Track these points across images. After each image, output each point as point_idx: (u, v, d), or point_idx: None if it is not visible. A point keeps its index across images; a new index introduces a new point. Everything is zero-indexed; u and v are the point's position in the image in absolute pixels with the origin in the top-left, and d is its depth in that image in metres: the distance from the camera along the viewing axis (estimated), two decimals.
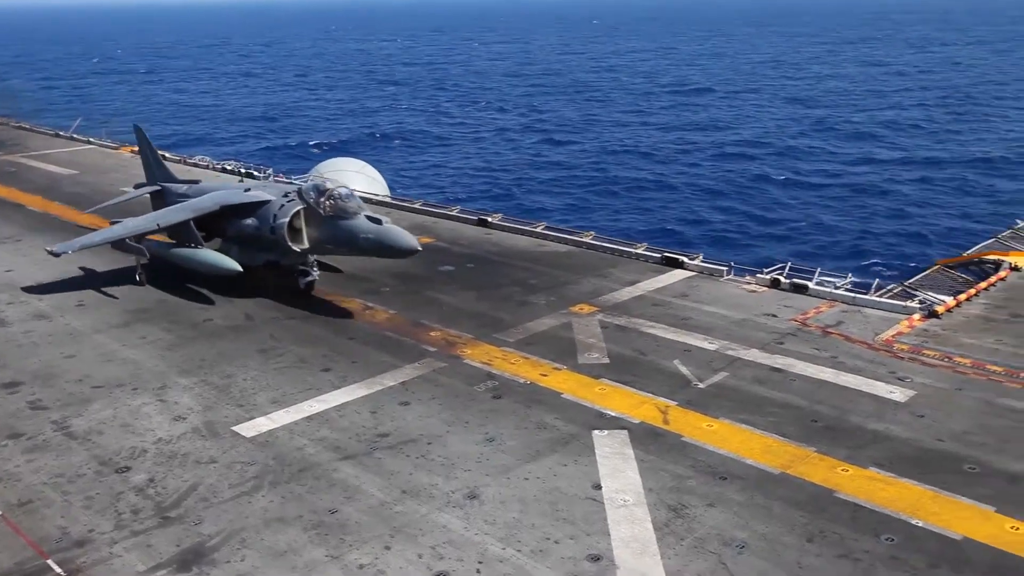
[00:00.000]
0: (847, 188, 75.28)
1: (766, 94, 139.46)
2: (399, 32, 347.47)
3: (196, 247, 27.17)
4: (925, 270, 32.08)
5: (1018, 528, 14.43)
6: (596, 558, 13.74)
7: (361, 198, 40.88)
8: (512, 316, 25.15)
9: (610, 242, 33.07)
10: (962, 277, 29.64)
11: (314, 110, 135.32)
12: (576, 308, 25.78)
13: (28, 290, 28.01)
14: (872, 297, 26.44)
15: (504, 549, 14.00)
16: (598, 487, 15.84)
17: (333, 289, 27.67)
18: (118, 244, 27.89)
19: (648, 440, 17.63)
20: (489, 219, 36.35)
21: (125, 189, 38.10)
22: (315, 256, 26.54)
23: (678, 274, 29.21)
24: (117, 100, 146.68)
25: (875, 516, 14.86)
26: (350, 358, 22.18)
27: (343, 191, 25.41)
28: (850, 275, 28.81)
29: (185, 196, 30.73)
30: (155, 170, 34.18)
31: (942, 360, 21.66)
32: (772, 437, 17.71)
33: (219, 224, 27.79)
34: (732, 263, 29.98)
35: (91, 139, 60.23)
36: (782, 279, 27.73)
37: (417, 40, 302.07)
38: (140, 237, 27.49)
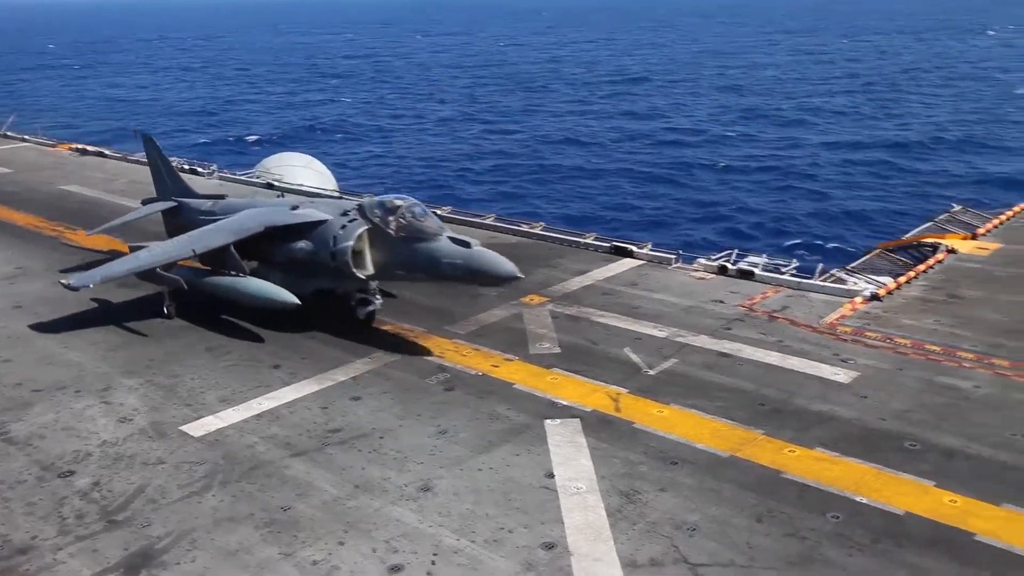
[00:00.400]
0: (786, 174, 76.97)
1: (704, 83, 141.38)
2: (343, 26, 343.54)
3: (241, 276, 23.52)
4: (866, 254, 32.85)
5: (956, 501, 14.91)
6: (550, 546, 13.83)
7: (308, 193, 40.82)
8: (463, 308, 25.10)
9: (559, 232, 33.23)
10: (902, 260, 30.42)
11: (255, 104, 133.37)
12: (526, 299, 25.84)
13: (37, 327, 24.16)
14: (816, 281, 27.00)
15: (459, 540, 14.01)
16: (551, 476, 15.92)
17: None
18: (145, 273, 23.88)
19: (600, 428, 17.77)
20: (438, 211, 36.16)
21: (91, 190, 36.74)
22: (377, 283, 23.34)
23: (627, 263, 29.46)
24: (50, 96, 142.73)
25: (821, 495, 15.21)
26: (300, 354, 21.93)
27: (417, 209, 22.06)
28: (795, 260, 29.41)
29: (211, 214, 26.96)
30: (169, 183, 30.01)
31: (884, 341, 22.22)
32: (721, 421, 18.00)
33: (261, 247, 24.06)
34: (680, 251, 30.35)
35: (26, 136, 58.53)
36: (729, 266, 28.15)
37: (360, 33, 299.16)
38: (171, 265, 23.83)
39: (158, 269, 23.43)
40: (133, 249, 25.25)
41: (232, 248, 23.51)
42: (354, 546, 13.92)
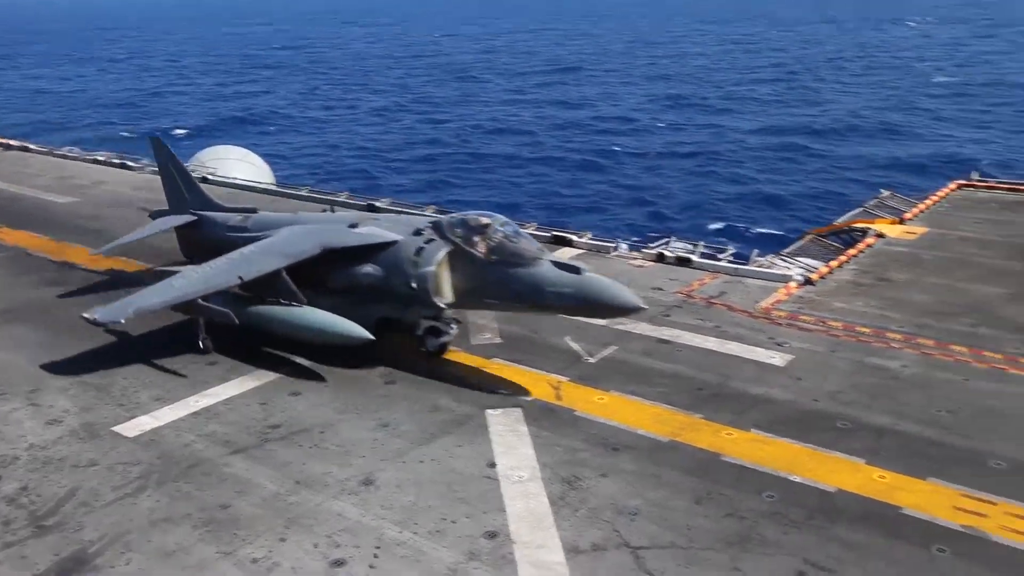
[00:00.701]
0: (715, 161, 78.28)
1: (635, 73, 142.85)
2: (275, 16, 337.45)
3: (295, 306, 20.20)
4: (799, 239, 33.60)
5: (884, 477, 15.40)
6: (493, 535, 13.87)
7: (244, 185, 40.06)
8: None
9: None
10: (833, 245, 31.18)
11: (184, 96, 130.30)
12: None
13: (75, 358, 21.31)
14: (751, 267, 27.53)
15: (401, 532, 13.96)
16: (493, 465, 15.96)
17: None
18: (182, 305, 20.36)
19: (542, 416, 17.85)
20: (377, 203, 35.91)
21: (15, 186, 35.25)
22: (452, 311, 20.52)
23: (568, 252, 29.57)
24: None
25: (758, 476, 15.54)
26: (237, 350, 21.47)
27: (509, 228, 19.54)
28: (731, 247, 29.95)
29: (242, 230, 23.82)
30: (186, 194, 26.37)
31: (817, 324, 22.78)
32: (661, 406, 18.24)
33: (313, 271, 20.65)
34: (618, 240, 30.62)
35: None
36: (667, 253, 28.52)
37: (294, 23, 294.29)
38: (209, 296, 20.26)
39: (200, 301, 20.12)
40: (160, 275, 21.38)
41: (284, 274, 20.21)
42: (296, 542, 13.75)
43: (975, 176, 38.63)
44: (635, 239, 31.26)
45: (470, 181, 73.78)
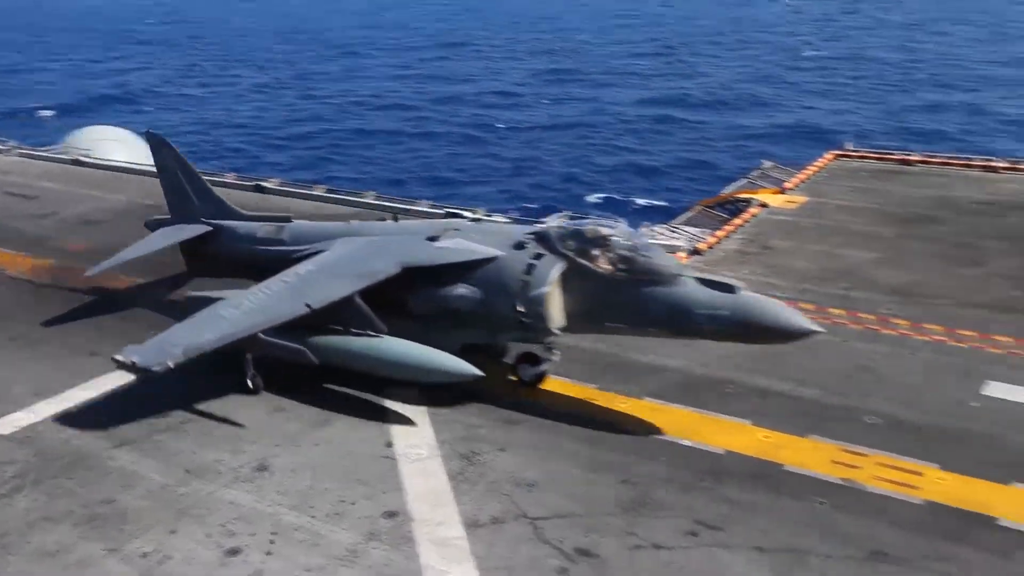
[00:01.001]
0: (595, 133, 79.45)
1: (519, 48, 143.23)
2: None
3: (374, 336, 17.30)
4: (688, 210, 34.46)
5: (769, 436, 16.13)
6: (392, 514, 13.83)
7: (123, 167, 38.19)
8: None
9: (391, 201, 32.80)
10: (720, 215, 32.13)
11: (52, 72, 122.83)
12: None
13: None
14: None
15: (298, 517, 13.76)
16: (390, 445, 15.89)
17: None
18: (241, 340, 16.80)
19: (440, 393, 17.74)
20: (265, 184, 34.97)
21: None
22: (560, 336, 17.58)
23: None
24: None
25: (651, 442, 16.01)
26: (122, 339, 20.26)
27: (638, 240, 17.10)
28: (622, 220, 30.33)
29: (276, 243, 20.75)
30: (195, 199, 22.80)
31: None
32: (558, 379, 18.45)
33: (388, 293, 17.57)
34: (511, 217, 30.65)
35: None
36: None
37: None
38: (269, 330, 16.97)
39: (261, 335, 16.93)
40: (196, 302, 18.49)
41: (357, 299, 17.27)
42: (187, 533, 13.37)
43: (849, 146, 40.41)
44: (516, 214, 31.43)
45: (352, 158, 72.92)
